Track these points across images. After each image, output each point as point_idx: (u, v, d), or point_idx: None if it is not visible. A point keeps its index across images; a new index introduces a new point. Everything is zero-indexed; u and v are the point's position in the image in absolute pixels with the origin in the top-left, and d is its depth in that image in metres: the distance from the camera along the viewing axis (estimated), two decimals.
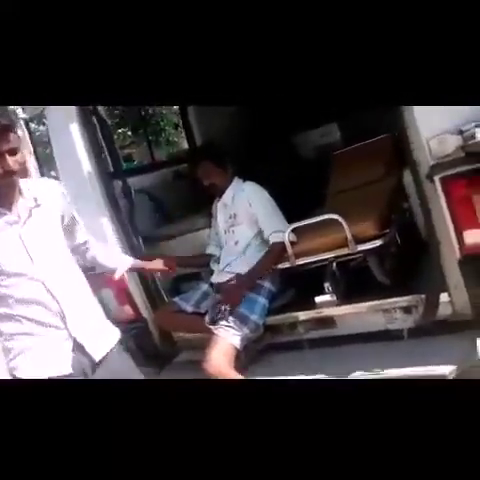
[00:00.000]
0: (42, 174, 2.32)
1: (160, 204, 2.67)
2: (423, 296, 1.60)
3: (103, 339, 1.35)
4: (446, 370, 1.45)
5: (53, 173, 2.26)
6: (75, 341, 1.26)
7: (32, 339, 1.25)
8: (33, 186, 1.31)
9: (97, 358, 1.30)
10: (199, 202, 2.89)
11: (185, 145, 4.10)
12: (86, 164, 2.05)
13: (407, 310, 1.66)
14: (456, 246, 1.46)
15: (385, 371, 1.54)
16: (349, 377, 1.62)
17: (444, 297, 1.56)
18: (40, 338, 1.25)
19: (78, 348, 1.27)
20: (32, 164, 2.28)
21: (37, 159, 2.20)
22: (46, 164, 2.66)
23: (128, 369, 1.39)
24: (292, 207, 2.08)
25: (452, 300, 1.55)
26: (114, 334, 1.41)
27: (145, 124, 8.85)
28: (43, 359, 1.25)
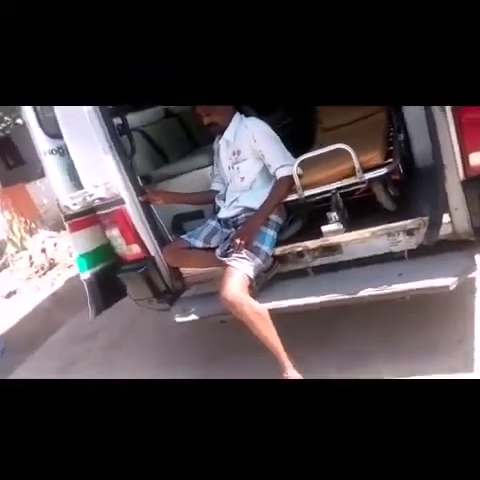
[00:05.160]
0: (37, 114, 2.19)
1: (155, 143, 2.63)
2: (426, 218, 1.72)
3: None
4: (448, 282, 1.60)
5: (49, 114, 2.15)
6: None
7: None
8: None
9: None
10: (194, 141, 2.87)
11: None
12: None
13: (410, 232, 1.79)
14: (460, 168, 1.57)
15: (392, 286, 1.69)
16: (356, 295, 1.76)
17: (445, 218, 1.68)
18: None
19: None
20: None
21: None
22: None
23: None
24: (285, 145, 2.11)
25: (452, 220, 1.68)
26: None
27: None
28: None
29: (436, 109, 1.52)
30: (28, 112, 2.13)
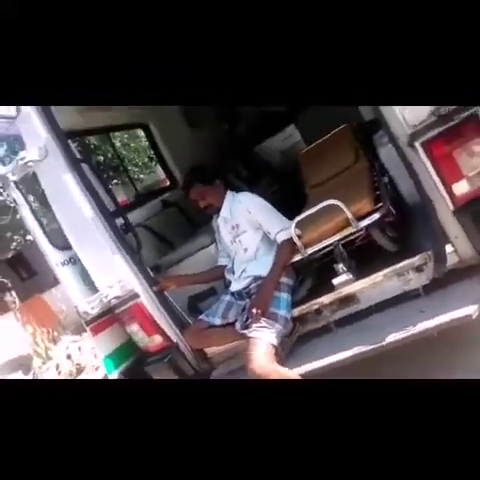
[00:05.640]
0: (43, 228, 2.35)
1: (158, 234, 2.76)
2: (430, 252, 1.75)
3: None
4: (470, 310, 1.59)
5: (53, 225, 2.31)
6: None
7: None
8: None
9: None
10: (195, 223, 3.01)
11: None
12: (86, 209, 2.11)
13: (418, 269, 1.81)
14: (448, 200, 1.63)
15: (417, 326, 1.67)
16: (384, 342, 1.74)
17: (448, 248, 1.71)
18: None
19: None
20: (31, 221, 2.31)
21: (35, 216, 2.27)
22: (44, 218, 2.73)
23: None
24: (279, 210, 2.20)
25: (456, 249, 1.71)
26: None
27: (121, 161, 9.10)
28: None
29: (407, 149, 1.61)
30: (36, 229, 2.27)
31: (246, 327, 1.96)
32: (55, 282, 5.55)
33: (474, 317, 1.59)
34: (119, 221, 2.29)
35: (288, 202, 2.55)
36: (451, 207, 1.63)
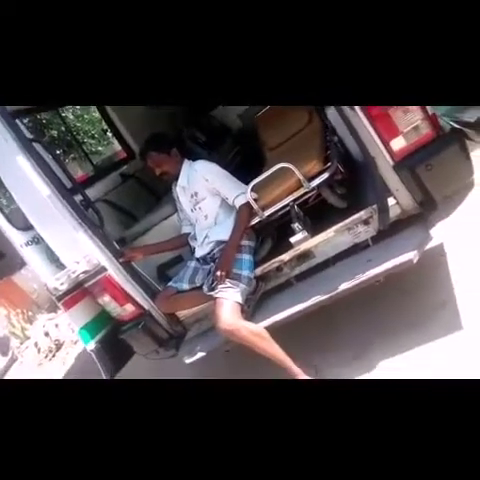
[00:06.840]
0: (2, 211, 2.34)
1: (120, 207, 2.79)
2: (375, 206, 1.89)
3: None
4: (411, 255, 1.75)
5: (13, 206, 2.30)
6: None
7: None
8: None
9: None
10: (155, 193, 3.05)
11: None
12: (43, 188, 2.10)
13: (366, 222, 1.96)
14: (387, 156, 1.75)
15: (365, 273, 1.84)
16: (338, 290, 1.90)
17: (391, 201, 1.85)
18: None
19: None
20: None
21: None
22: (2, 199, 2.69)
23: None
24: (239, 175, 2.27)
25: (398, 201, 1.86)
26: None
27: (73, 135, 8.71)
28: None
29: (347, 109, 1.70)
30: None
31: (212, 289, 2.08)
32: (23, 263, 5.50)
33: (415, 261, 1.76)
34: (79, 198, 2.31)
35: (250, 163, 2.61)
36: (391, 162, 1.76)
